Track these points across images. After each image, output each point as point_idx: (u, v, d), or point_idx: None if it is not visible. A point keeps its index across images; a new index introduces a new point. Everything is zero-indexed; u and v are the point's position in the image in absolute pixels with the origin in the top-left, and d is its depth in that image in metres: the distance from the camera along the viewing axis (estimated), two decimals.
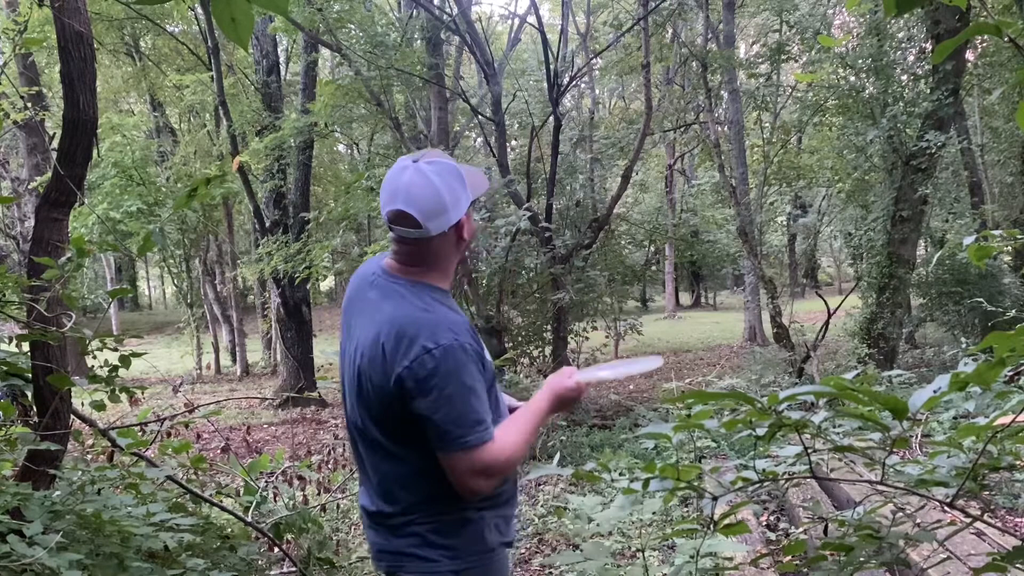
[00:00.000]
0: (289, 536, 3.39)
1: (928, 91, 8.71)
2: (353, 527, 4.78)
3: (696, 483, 1.59)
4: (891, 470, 1.53)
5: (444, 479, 1.68)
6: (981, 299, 8.00)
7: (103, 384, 2.77)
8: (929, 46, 9.24)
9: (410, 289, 1.74)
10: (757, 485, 1.60)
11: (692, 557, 2.22)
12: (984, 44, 10.72)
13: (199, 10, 14.08)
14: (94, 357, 2.79)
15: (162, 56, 17.88)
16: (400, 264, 1.77)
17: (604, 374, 1.86)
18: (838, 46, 9.41)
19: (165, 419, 3.49)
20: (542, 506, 5.34)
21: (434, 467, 1.68)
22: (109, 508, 2.32)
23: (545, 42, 10.07)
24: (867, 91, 9.73)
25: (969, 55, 10.51)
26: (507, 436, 1.69)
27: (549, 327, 9.39)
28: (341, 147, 24.07)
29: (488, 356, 1.77)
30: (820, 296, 10.17)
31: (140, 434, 3.30)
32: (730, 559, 3.27)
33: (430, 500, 1.72)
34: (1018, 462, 1.52)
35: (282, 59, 15.20)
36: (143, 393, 2.95)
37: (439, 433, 1.62)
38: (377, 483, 1.76)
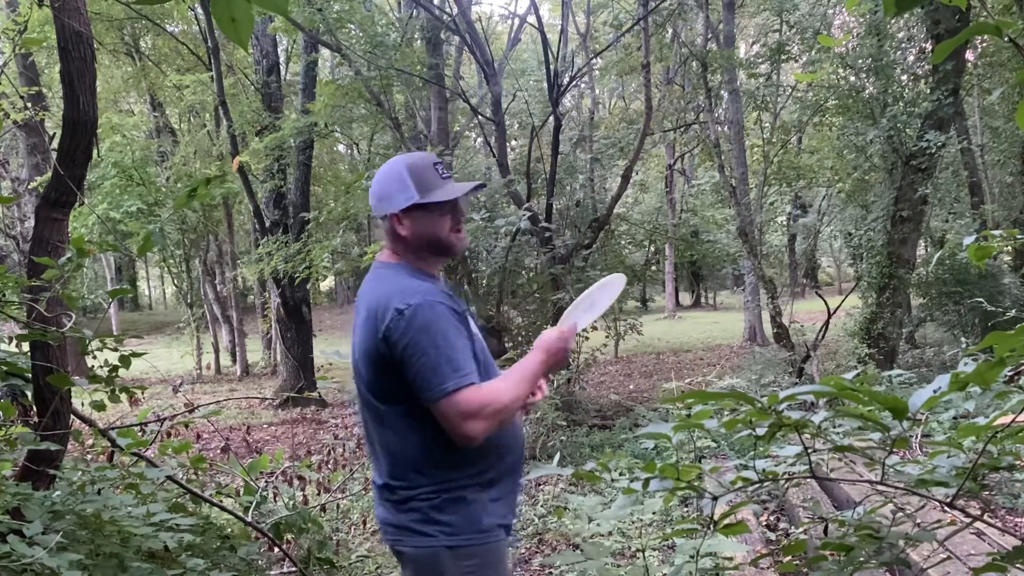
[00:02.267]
0: (289, 536, 3.39)
1: (928, 91, 8.71)
2: (353, 527, 4.78)
3: (696, 483, 1.59)
4: (891, 470, 1.53)
5: (444, 457, 1.79)
6: (981, 299, 8.00)
7: (103, 384, 2.77)
8: (929, 46, 9.24)
9: (390, 268, 1.92)
10: (757, 485, 1.60)
11: (692, 557, 2.22)
12: (984, 44, 10.72)
13: (199, 10, 14.08)
14: (94, 357, 2.79)
15: (162, 56, 17.87)
16: (386, 250, 1.97)
17: (583, 318, 1.98)
18: (838, 46, 9.41)
19: (165, 419, 3.49)
20: (542, 506, 5.34)
21: (433, 442, 1.79)
22: (109, 508, 2.32)
23: (545, 42, 10.07)
24: (867, 91, 9.72)
25: (969, 55, 10.51)
26: (496, 383, 1.81)
27: (549, 327, 9.38)
28: (341, 147, 24.06)
29: (474, 325, 1.92)
30: (820, 296, 10.17)
31: (140, 434, 3.29)
32: (730, 559, 3.27)
33: (431, 477, 1.81)
34: (1018, 462, 1.52)
35: (282, 59, 15.20)
36: (143, 393, 2.95)
37: (422, 384, 1.73)
38: (383, 458, 1.88)
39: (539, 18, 10.80)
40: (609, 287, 2.02)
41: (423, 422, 1.78)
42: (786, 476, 1.62)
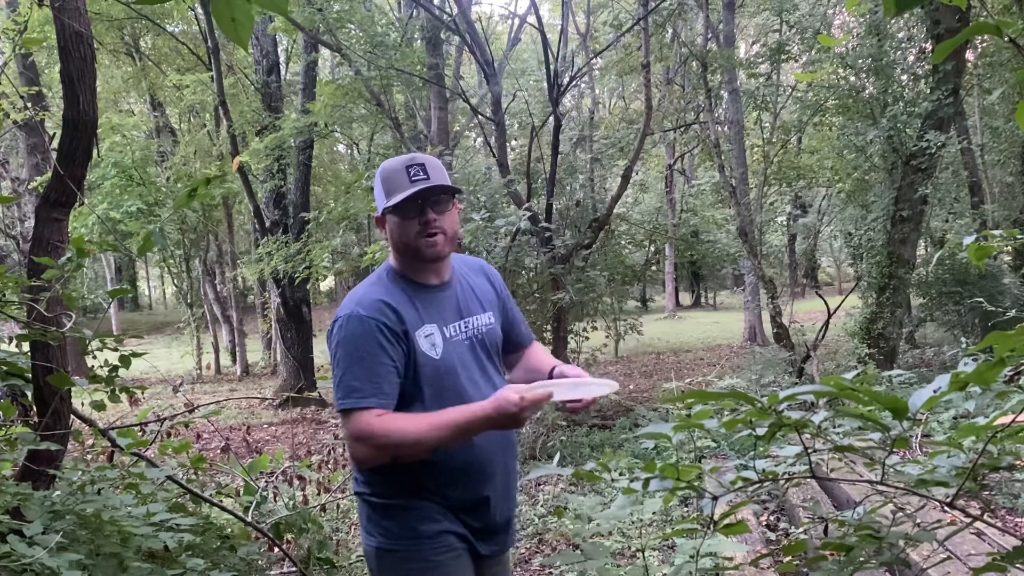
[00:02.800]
0: (289, 536, 3.39)
1: (928, 91, 8.71)
2: (353, 527, 4.78)
3: (696, 483, 1.59)
4: (891, 470, 1.53)
5: (382, 466, 1.81)
6: (981, 299, 7.99)
7: (103, 384, 2.77)
8: (929, 46, 9.24)
9: (381, 269, 1.95)
10: (757, 485, 1.59)
11: (692, 557, 2.22)
12: (984, 44, 10.71)
13: (199, 10, 14.08)
14: (94, 357, 2.79)
15: (162, 56, 17.87)
16: None
17: (557, 393, 1.78)
18: (838, 46, 9.40)
19: (165, 419, 3.49)
20: (542, 506, 5.34)
21: None
22: (109, 508, 2.32)
23: (545, 42, 10.07)
24: (867, 91, 9.72)
25: (969, 55, 10.51)
26: (402, 420, 1.75)
27: (549, 327, 9.38)
28: (341, 147, 24.07)
29: (432, 331, 1.85)
30: (820, 296, 10.17)
31: (140, 434, 3.29)
32: (730, 559, 3.27)
33: (373, 484, 1.88)
34: (1018, 462, 1.52)
35: (282, 59, 15.20)
36: (143, 393, 2.95)
37: (334, 393, 1.79)
38: None
39: (539, 18, 10.80)
40: (598, 386, 1.87)
41: None
42: (786, 476, 1.63)
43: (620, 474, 1.82)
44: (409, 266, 1.90)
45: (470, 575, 1.92)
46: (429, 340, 1.83)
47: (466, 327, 1.94)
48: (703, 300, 33.86)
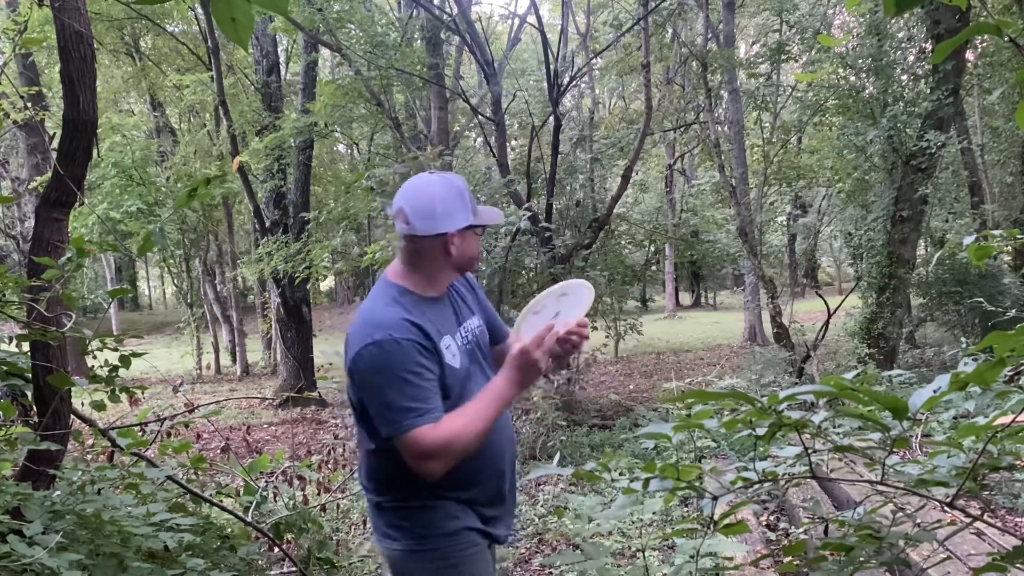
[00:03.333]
0: (289, 536, 3.39)
1: (928, 91, 8.71)
2: (353, 527, 4.78)
3: (696, 483, 1.59)
4: (891, 470, 1.53)
5: (407, 475, 1.81)
6: (981, 299, 8.00)
7: (103, 384, 2.77)
8: (929, 46, 9.24)
9: (383, 288, 1.92)
10: (757, 485, 1.59)
11: (692, 557, 2.22)
12: (984, 44, 10.71)
13: (199, 10, 14.08)
14: (94, 357, 2.79)
15: (162, 56, 17.87)
16: (396, 263, 1.96)
17: (556, 322, 1.86)
18: (838, 46, 9.41)
19: (165, 419, 3.49)
20: (542, 506, 5.34)
21: (397, 462, 1.82)
22: (109, 508, 2.32)
23: (545, 42, 10.07)
24: (867, 91, 9.72)
25: (969, 55, 10.51)
26: (453, 420, 1.79)
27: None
28: (341, 147, 24.06)
29: (450, 343, 1.90)
30: (820, 296, 10.17)
31: (140, 434, 3.29)
32: (730, 559, 3.27)
33: (390, 485, 1.90)
34: (1018, 462, 1.52)
35: (282, 59, 15.19)
36: (143, 393, 2.95)
37: (378, 420, 1.79)
38: (361, 464, 2.00)
39: (539, 18, 10.80)
40: (577, 289, 1.94)
41: (380, 441, 1.84)
42: (786, 476, 1.62)
43: (620, 474, 1.82)
44: (442, 281, 1.95)
45: (491, 566, 2.02)
46: (450, 351, 1.90)
47: (465, 333, 2.00)
48: (703, 300, 33.87)
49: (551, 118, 10.21)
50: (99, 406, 2.79)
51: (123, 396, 2.82)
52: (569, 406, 8.45)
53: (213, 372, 17.57)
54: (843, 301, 9.90)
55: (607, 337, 12.94)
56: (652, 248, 13.77)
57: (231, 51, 14.81)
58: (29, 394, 2.81)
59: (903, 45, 9.95)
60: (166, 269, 18.93)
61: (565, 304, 1.91)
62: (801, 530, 3.85)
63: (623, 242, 12.28)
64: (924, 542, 1.55)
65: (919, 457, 1.66)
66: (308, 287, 12.72)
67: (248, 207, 13.38)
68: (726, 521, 1.69)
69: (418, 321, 1.83)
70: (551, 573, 4.15)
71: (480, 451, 1.88)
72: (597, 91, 22.47)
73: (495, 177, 9.77)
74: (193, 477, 3.26)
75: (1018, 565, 1.44)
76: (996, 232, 2.24)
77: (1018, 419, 1.48)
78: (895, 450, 1.51)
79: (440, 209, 1.84)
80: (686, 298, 33.82)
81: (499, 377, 1.86)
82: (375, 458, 1.91)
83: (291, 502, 3.61)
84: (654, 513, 4.45)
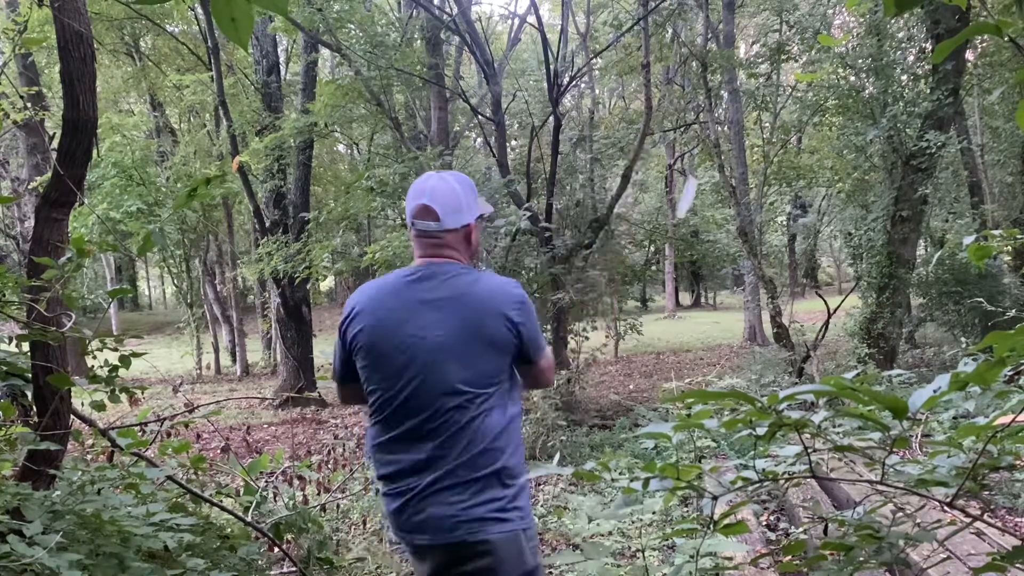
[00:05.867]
0: (289, 536, 3.39)
1: (928, 91, 8.71)
2: (353, 527, 4.78)
3: (696, 483, 1.59)
4: (891, 470, 1.53)
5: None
6: (981, 299, 8.00)
7: (103, 384, 2.77)
8: (929, 46, 9.24)
9: (470, 270, 2.11)
10: (757, 485, 1.59)
11: (692, 557, 2.22)
12: (984, 44, 10.72)
13: (199, 10, 14.09)
14: (94, 357, 2.78)
15: (162, 56, 17.88)
16: (428, 257, 2.08)
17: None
18: (838, 46, 9.40)
19: (165, 419, 3.49)
20: (542, 506, 5.34)
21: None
22: (109, 508, 2.32)
23: (545, 42, 10.07)
24: (867, 91, 9.72)
25: (969, 55, 10.51)
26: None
27: (549, 327, 9.39)
28: (341, 147, 24.06)
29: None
30: (820, 296, 10.16)
31: (140, 434, 3.29)
32: (730, 559, 3.27)
33: (517, 465, 2.06)
34: (1018, 462, 1.52)
35: (282, 59, 15.20)
36: (143, 393, 2.94)
37: (536, 342, 2.12)
38: (500, 443, 2.03)
39: (539, 18, 10.79)
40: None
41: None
42: (786, 476, 1.62)
43: (620, 474, 1.82)
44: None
45: None
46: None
47: None
48: (703, 300, 33.88)
49: (551, 118, 10.21)
50: (99, 406, 2.79)
51: (123, 396, 2.81)
52: (569, 406, 8.45)
53: (213, 372, 17.57)
54: (843, 301, 9.90)
55: (607, 337, 12.94)
56: (652, 248, 13.78)
57: (231, 51, 14.82)
58: (29, 394, 2.81)
59: (903, 45, 9.95)
60: (166, 269, 18.93)
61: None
62: (801, 530, 3.86)
63: (623, 242, 12.28)
64: (924, 542, 1.55)
65: (919, 457, 1.66)
66: (308, 287, 12.72)
67: (248, 207, 13.38)
68: (726, 521, 1.69)
69: None
70: (551, 573, 4.15)
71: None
72: (597, 91, 22.48)
73: (495, 177, 9.77)
74: (193, 477, 3.26)
75: (1018, 565, 1.44)
76: (996, 232, 2.24)
77: (1018, 419, 1.48)
78: (895, 450, 1.51)
79: (464, 203, 2.08)
80: (686, 298, 33.83)
81: None
82: (514, 425, 2.04)
83: (291, 502, 3.61)
84: (654, 513, 4.45)
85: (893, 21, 9.48)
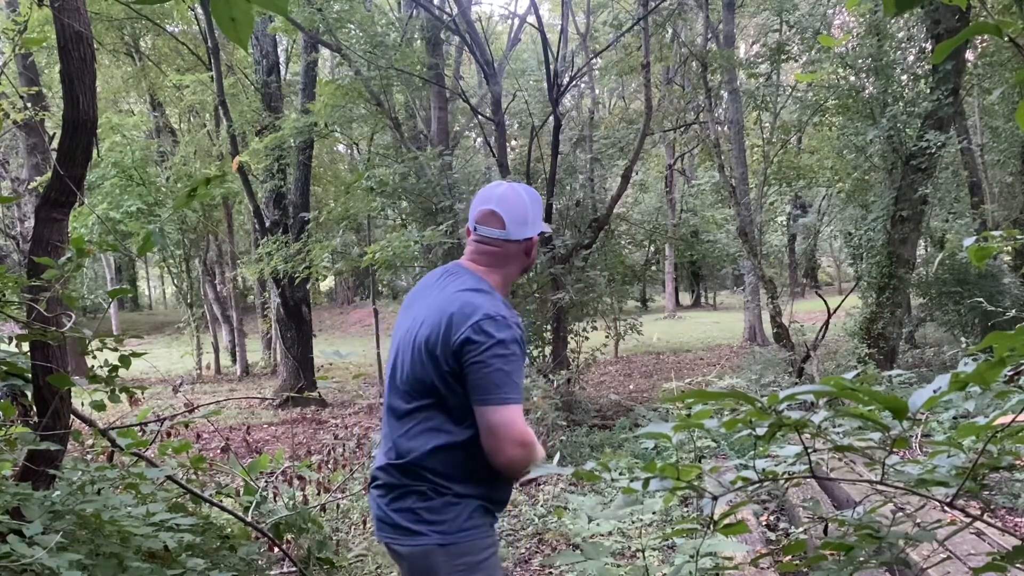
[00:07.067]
0: (289, 536, 3.39)
1: (928, 91, 8.71)
2: (353, 527, 4.78)
3: (696, 483, 1.59)
4: (891, 470, 1.53)
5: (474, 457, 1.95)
6: (981, 299, 8.00)
7: (103, 384, 2.77)
8: (929, 46, 9.24)
9: (476, 277, 2.01)
10: (757, 485, 1.59)
11: (692, 557, 2.22)
12: (984, 44, 10.72)
13: (199, 10, 14.08)
14: (94, 357, 2.78)
15: (162, 56, 17.87)
16: (474, 263, 2.05)
17: None
18: (838, 46, 9.40)
19: (165, 419, 3.49)
20: (542, 506, 5.34)
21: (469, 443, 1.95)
22: (109, 508, 2.32)
23: (545, 42, 10.07)
24: (867, 91, 9.72)
25: (969, 55, 10.51)
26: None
27: (549, 327, 9.39)
28: (341, 147, 24.06)
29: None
30: (820, 296, 10.16)
31: (140, 434, 3.29)
32: (730, 559, 3.27)
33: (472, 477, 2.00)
34: (1018, 462, 1.52)
35: (282, 59, 15.20)
36: (143, 393, 2.95)
37: (483, 389, 1.86)
38: (439, 461, 2.00)
39: (539, 18, 10.79)
40: None
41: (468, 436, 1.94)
42: (786, 476, 1.62)
43: (620, 474, 1.82)
44: (504, 281, 2.07)
45: None
46: None
47: None
48: (703, 300, 33.86)
49: (551, 118, 10.21)
50: (99, 406, 2.79)
51: (123, 396, 2.82)
52: (569, 406, 8.44)
53: (213, 372, 17.57)
54: (843, 301, 9.90)
55: (607, 337, 12.94)
56: (652, 248, 13.77)
57: (231, 51, 14.81)
58: (29, 394, 2.81)
59: (903, 45, 9.95)
60: (166, 269, 18.93)
61: None
62: (801, 530, 3.86)
63: (623, 242, 12.27)
64: (924, 542, 1.55)
65: (919, 457, 1.66)
66: (308, 287, 12.72)
67: (248, 207, 13.38)
68: (726, 521, 1.69)
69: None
70: (551, 573, 4.15)
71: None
72: (597, 91, 22.46)
73: (495, 177, 9.76)
74: (193, 477, 3.26)
75: (1018, 565, 1.44)
76: (996, 232, 2.24)
77: (1018, 419, 1.48)
78: (895, 450, 1.51)
79: (530, 216, 2.04)
80: (686, 298, 33.82)
81: None
82: (457, 456, 1.89)
83: (291, 502, 3.61)
84: (654, 513, 4.45)
85: (893, 21, 9.48)
